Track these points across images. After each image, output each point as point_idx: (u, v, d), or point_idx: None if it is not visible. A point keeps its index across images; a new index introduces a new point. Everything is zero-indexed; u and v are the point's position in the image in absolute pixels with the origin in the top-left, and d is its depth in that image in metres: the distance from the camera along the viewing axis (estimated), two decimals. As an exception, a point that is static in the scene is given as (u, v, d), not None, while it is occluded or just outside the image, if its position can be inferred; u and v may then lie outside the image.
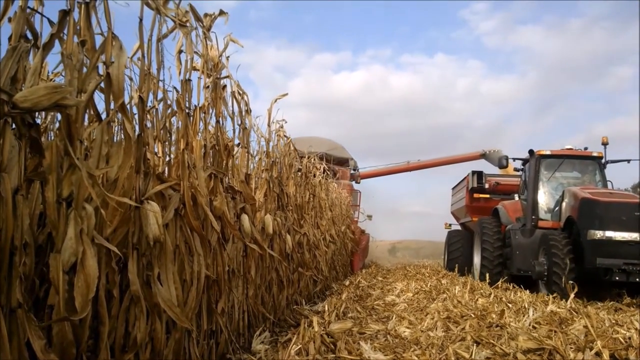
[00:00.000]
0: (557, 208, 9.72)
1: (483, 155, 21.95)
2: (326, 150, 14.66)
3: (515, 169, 11.61)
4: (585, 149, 10.68)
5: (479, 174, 13.61)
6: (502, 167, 11.25)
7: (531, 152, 10.44)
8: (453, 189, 17.17)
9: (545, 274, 8.47)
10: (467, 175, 14.07)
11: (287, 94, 4.90)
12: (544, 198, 10.21)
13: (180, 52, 3.08)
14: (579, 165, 10.57)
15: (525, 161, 10.96)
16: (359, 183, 18.73)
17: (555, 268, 8.15)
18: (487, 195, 13.75)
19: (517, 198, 11.38)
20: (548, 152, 10.29)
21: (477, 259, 11.68)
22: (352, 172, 17.54)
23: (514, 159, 11.40)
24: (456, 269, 12.84)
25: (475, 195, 13.88)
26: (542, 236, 9.04)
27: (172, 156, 3.12)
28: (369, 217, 17.52)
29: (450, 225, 17.58)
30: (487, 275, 9.87)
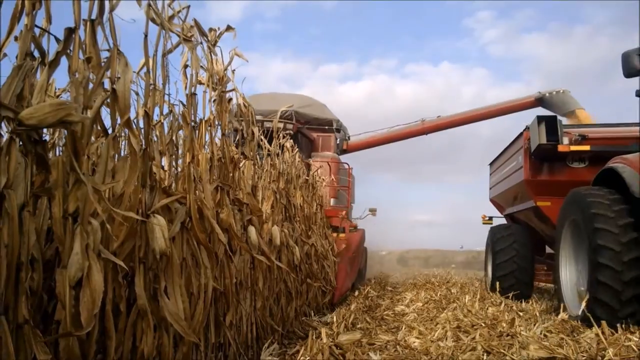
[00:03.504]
0: None
1: (540, 101, 14.63)
2: (297, 107, 10.54)
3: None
4: None
5: (551, 122, 7.54)
6: (632, 73, 5.58)
7: None
8: (491, 164, 11.26)
9: None
10: (525, 130, 8.25)
11: (292, 106, 4.93)
12: None
13: (185, 66, 3.11)
14: None
15: None
16: (346, 150, 13.19)
17: None
18: (585, 147, 7.40)
19: None
20: None
21: (569, 274, 6.37)
22: (338, 140, 12.11)
23: None
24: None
25: (549, 154, 7.61)
26: None
27: (179, 170, 3.14)
28: (372, 211, 12.61)
29: (490, 218, 11.53)
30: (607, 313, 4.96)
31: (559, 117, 7.82)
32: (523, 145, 8.23)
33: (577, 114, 14.09)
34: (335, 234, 8.73)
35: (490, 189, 11.35)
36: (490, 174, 11.43)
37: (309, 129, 10.81)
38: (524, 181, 8.23)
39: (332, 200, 10.18)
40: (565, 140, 7.48)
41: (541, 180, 8.06)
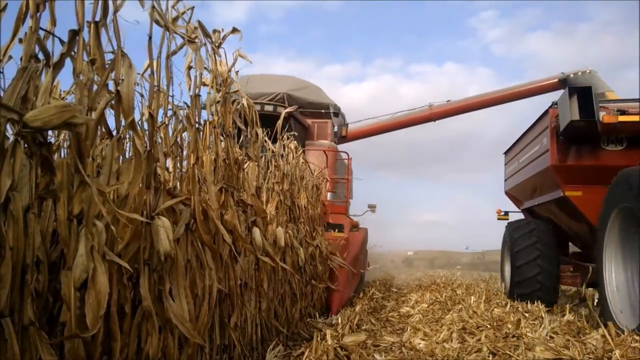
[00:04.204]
0: None
1: (563, 82, 12.56)
2: (287, 90, 9.46)
3: None
4: None
5: (585, 95, 6.30)
6: None
7: None
8: (506, 153, 10.22)
9: None
10: (551, 106, 7.17)
11: (296, 107, 4.92)
12: None
13: (189, 68, 3.11)
14: None
15: None
16: (345, 137, 11.47)
17: None
18: (635, 118, 6.24)
19: None
20: None
21: (616, 277, 5.36)
22: (336, 127, 10.63)
23: None
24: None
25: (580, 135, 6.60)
26: None
27: (183, 171, 3.14)
28: (372, 207, 11.23)
29: (506, 213, 10.47)
30: None
31: (593, 89, 6.49)
32: (549, 124, 7.07)
33: (606, 97, 11.51)
34: (332, 233, 7.57)
35: (505, 180, 10.20)
36: (506, 164, 10.25)
37: (303, 114, 9.65)
38: (550, 167, 7.04)
39: (328, 194, 9.03)
40: (603, 116, 6.24)
41: (571, 165, 6.87)
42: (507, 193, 10.23)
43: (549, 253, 7.66)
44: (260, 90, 8.93)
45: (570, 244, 8.69)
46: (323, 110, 10.15)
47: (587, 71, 12.66)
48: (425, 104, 13.76)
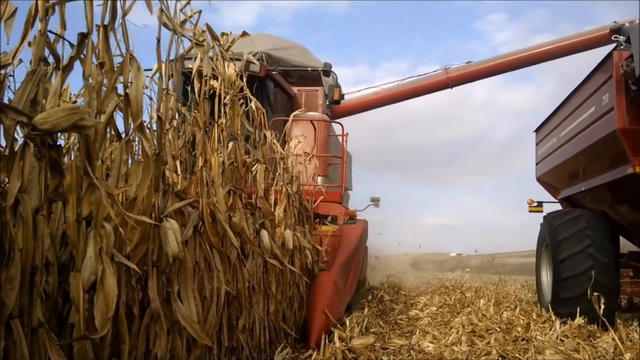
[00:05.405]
0: None
1: (615, 33, 9.24)
2: (267, 49, 7.85)
3: None
4: None
5: None
6: None
7: None
8: (538, 130, 8.51)
9: None
10: (616, 48, 5.55)
11: (304, 110, 4.93)
12: None
13: (197, 70, 3.13)
14: None
15: None
16: (337, 102, 8.91)
17: None
18: None
19: None
20: None
21: None
22: (327, 99, 8.72)
23: None
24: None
25: None
26: None
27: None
28: (375, 201, 9.62)
29: (540, 204, 8.58)
30: None
31: None
32: (613, 73, 5.18)
33: None
34: (320, 227, 6.12)
35: (536, 164, 8.42)
36: (537, 144, 8.42)
37: (285, 77, 7.95)
38: (615, 132, 5.06)
39: (319, 178, 7.18)
40: None
41: None
42: (539, 179, 8.48)
43: (602, 242, 5.76)
44: (234, 50, 7.76)
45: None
46: (310, 69, 8.46)
47: None
48: (440, 67, 10.98)
